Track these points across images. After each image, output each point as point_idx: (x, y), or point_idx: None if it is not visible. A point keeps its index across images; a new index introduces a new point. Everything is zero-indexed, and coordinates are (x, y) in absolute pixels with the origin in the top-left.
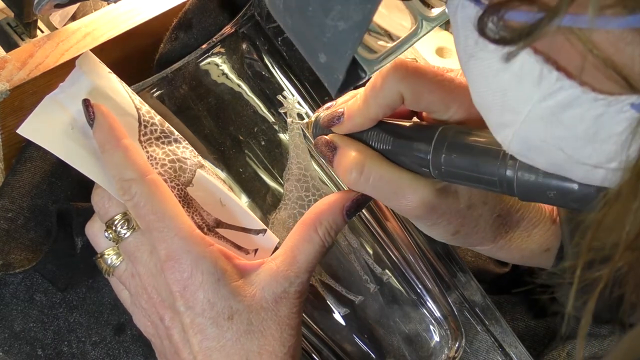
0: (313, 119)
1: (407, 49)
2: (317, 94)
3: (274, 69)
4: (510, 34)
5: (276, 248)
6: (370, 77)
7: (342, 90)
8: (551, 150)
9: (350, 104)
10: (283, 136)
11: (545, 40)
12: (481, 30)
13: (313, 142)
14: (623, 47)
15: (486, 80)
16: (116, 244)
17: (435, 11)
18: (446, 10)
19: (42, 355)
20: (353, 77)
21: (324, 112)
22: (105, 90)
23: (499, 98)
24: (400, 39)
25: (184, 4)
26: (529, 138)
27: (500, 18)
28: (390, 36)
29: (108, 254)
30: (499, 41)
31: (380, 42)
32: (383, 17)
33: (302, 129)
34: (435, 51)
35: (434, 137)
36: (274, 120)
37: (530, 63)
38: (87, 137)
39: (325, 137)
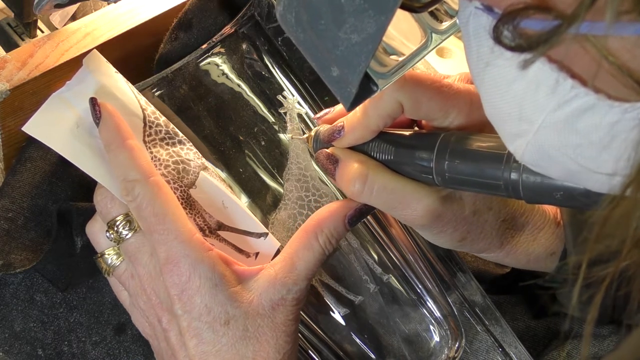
0: (313, 133)
1: (417, 62)
2: (317, 94)
3: (274, 69)
4: (527, 41)
5: (277, 252)
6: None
7: (355, 104)
8: (565, 159)
9: (350, 117)
10: (283, 136)
11: (560, 48)
12: (497, 38)
13: (314, 156)
14: (639, 53)
15: (500, 91)
16: (117, 244)
17: (444, 24)
18: (457, 20)
19: (42, 355)
20: (365, 90)
21: (323, 126)
22: (111, 90)
23: (512, 108)
24: (411, 52)
25: (184, 4)
26: (542, 147)
27: (516, 26)
28: (399, 50)
29: (108, 254)
30: (516, 48)
31: (392, 56)
32: (390, 33)
33: (303, 130)
34: (436, 51)
35: (436, 144)
36: (274, 120)
37: (545, 71)
38: (92, 137)
39: (327, 150)
